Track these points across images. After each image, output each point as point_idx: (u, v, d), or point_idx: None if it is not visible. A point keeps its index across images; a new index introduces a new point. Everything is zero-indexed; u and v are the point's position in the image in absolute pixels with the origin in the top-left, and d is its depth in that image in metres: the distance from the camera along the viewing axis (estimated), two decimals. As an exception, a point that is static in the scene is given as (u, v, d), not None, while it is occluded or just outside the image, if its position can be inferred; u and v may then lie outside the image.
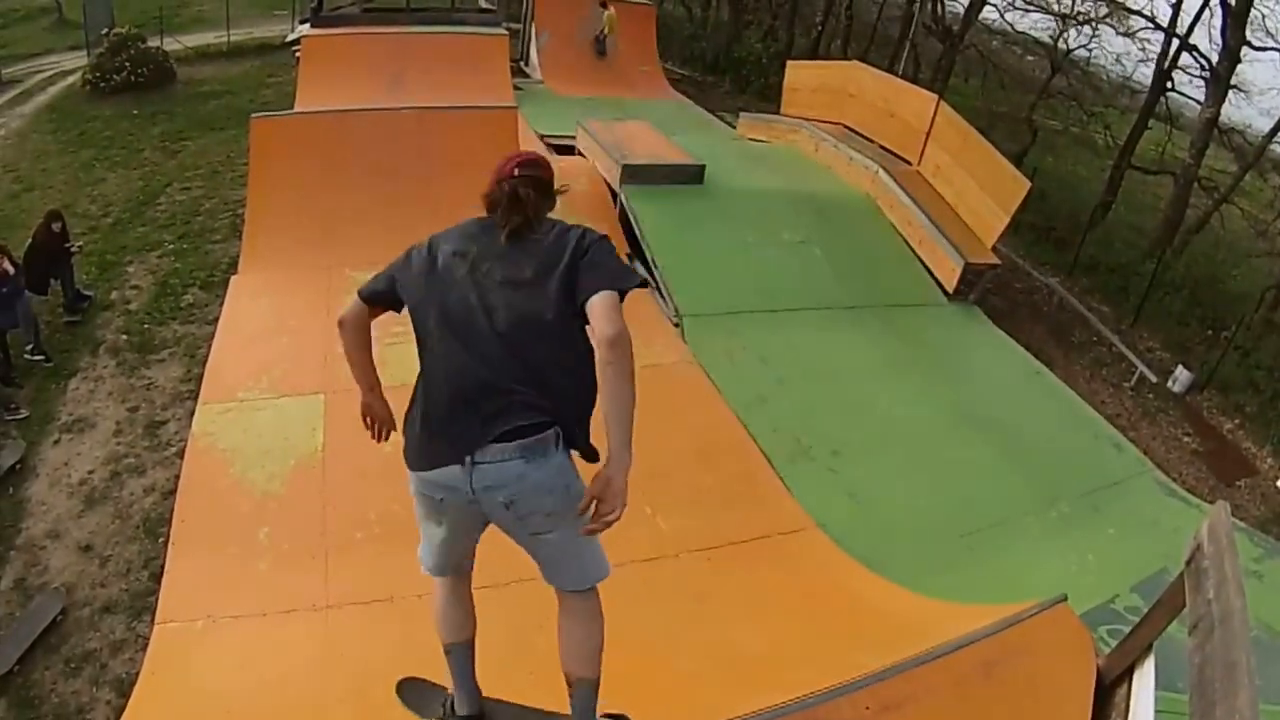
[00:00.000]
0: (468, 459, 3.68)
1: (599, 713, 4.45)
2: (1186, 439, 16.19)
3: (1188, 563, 4.42)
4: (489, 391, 3.68)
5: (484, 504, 3.83)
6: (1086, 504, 10.83)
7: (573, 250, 3.82)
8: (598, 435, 3.77)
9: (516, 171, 4.02)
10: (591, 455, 3.81)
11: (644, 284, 3.98)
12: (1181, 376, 17.58)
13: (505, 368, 3.69)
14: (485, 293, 3.81)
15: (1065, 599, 6.14)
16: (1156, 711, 4.85)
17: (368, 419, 4.49)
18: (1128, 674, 5.23)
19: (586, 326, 3.73)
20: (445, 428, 3.77)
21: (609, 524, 3.62)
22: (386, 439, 4.47)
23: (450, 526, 4.18)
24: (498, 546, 8.07)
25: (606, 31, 26.75)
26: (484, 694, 4.69)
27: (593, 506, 3.60)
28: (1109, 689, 5.39)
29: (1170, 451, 15.47)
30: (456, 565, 4.50)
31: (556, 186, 4.16)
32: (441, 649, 4.57)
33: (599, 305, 3.64)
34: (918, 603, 8.26)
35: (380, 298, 4.17)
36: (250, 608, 7.93)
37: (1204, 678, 3.74)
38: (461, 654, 4.58)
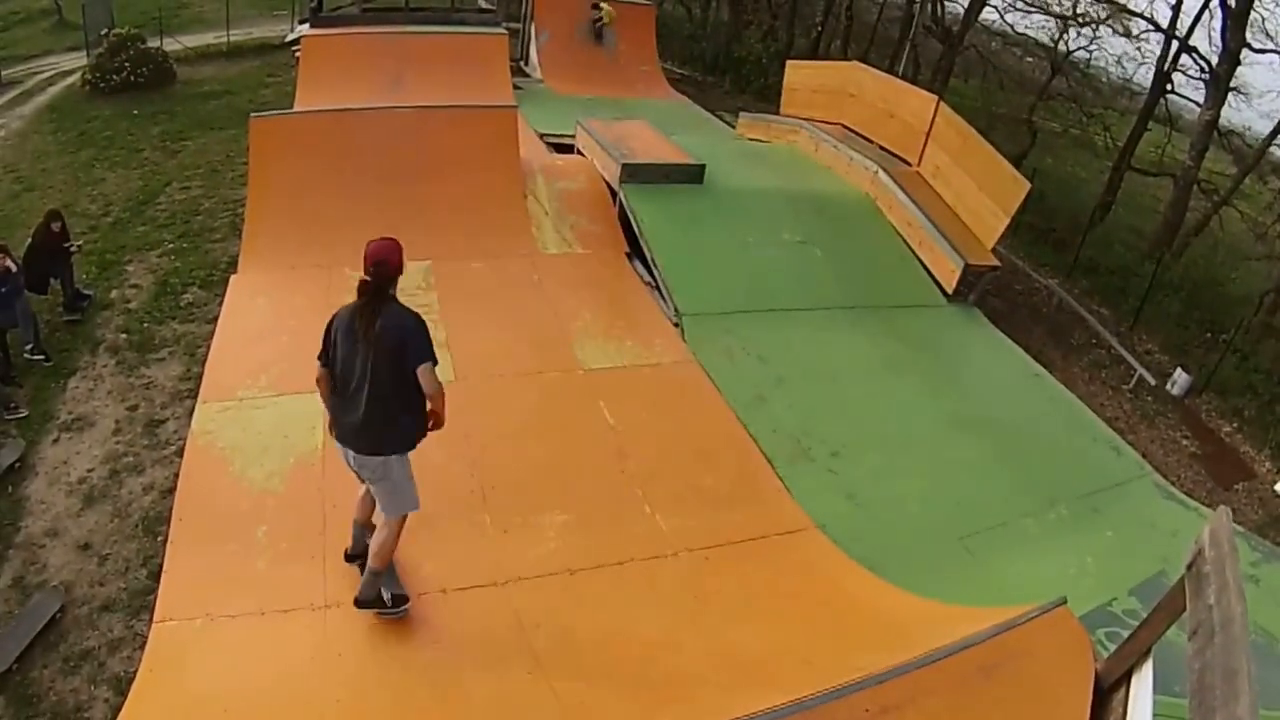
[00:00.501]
0: (350, 451, 7.09)
1: (384, 590, 7.59)
2: (1185, 442, 16.23)
3: (1189, 567, 4.44)
4: (355, 424, 6.91)
5: (354, 465, 7.18)
6: (1085, 506, 10.82)
7: (404, 339, 6.67)
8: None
9: (371, 271, 6.71)
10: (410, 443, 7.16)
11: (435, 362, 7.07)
12: (1180, 379, 17.62)
13: (366, 411, 6.81)
14: (356, 362, 6.76)
15: (1065, 602, 6.16)
16: (1154, 715, 4.86)
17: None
18: (1126, 678, 5.27)
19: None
20: (336, 432, 7.17)
21: (439, 427, 7.09)
22: None
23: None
24: (499, 546, 8.11)
25: (605, 22, 26.57)
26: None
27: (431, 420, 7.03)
28: (1107, 693, 5.41)
29: (1168, 454, 15.50)
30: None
31: (403, 263, 6.95)
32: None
33: (423, 375, 6.67)
34: (917, 604, 8.28)
35: (325, 361, 7.05)
36: (248, 606, 7.93)
37: (1204, 684, 3.76)
38: (359, 528, 8.09)
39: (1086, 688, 5.48)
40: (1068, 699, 5.45)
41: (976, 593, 8.69)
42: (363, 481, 7.53)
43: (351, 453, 7.05)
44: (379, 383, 6.70)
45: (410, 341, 6.66)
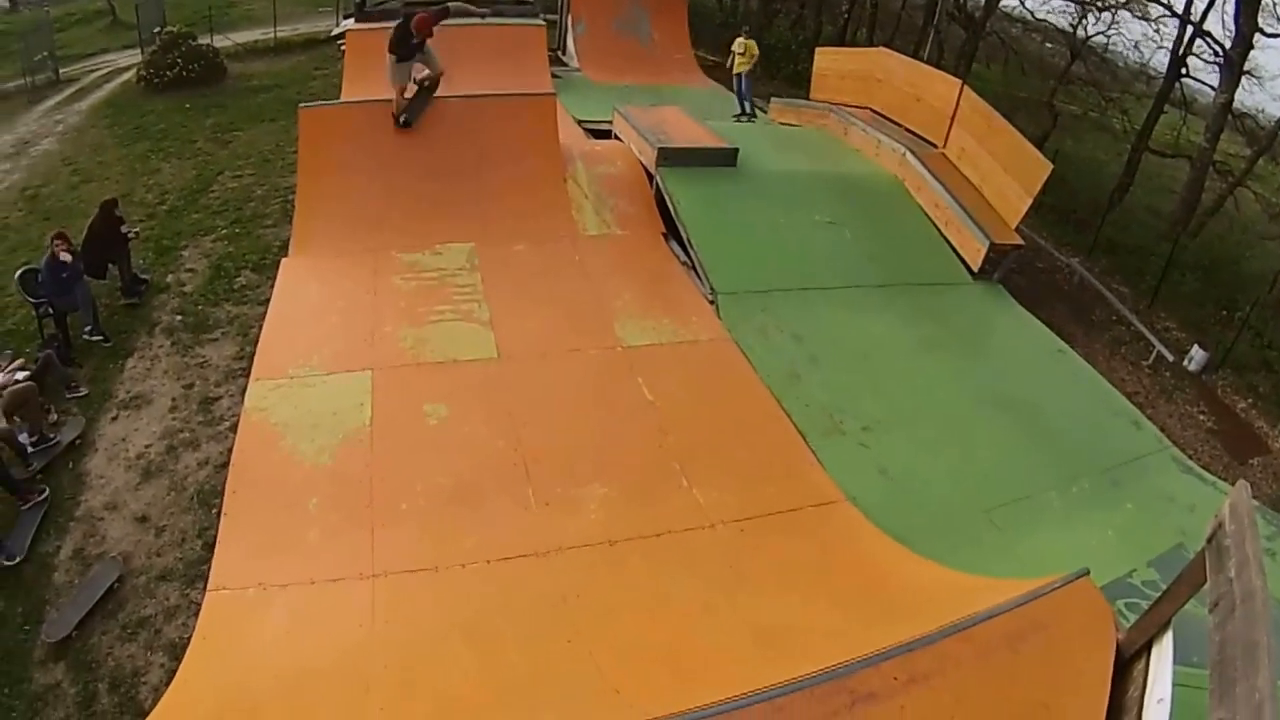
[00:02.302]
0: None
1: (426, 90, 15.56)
2: (1202, 417, 16.33)
3: (1209, 541, 4.59)
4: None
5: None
6: (1106, 480, 10.99)
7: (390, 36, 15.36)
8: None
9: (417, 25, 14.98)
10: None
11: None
12: (1197, 356, 17.72)
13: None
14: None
15: (1087, 573, 6.29)
16: (1173, 685, 5.02)
17: None
18: (1146, 648, 5.43)
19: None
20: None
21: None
22: None
23: None
24: (541, 519, 8.35)
25: (742, 71, 22.99)
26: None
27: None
28: (1128, 663, 5.59)
29: (1186, 429, 15.61)
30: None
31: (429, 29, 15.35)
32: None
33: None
34: (944, 575, 8.47)
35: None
36: (299, 576, 8.25)
37: (1224, 656, 3.92)
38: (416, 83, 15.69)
39: (1108, 658, 5.64)
40: (1090, 668, 5.60)
41: (1001, 564, 8.88)
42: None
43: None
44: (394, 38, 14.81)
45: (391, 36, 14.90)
